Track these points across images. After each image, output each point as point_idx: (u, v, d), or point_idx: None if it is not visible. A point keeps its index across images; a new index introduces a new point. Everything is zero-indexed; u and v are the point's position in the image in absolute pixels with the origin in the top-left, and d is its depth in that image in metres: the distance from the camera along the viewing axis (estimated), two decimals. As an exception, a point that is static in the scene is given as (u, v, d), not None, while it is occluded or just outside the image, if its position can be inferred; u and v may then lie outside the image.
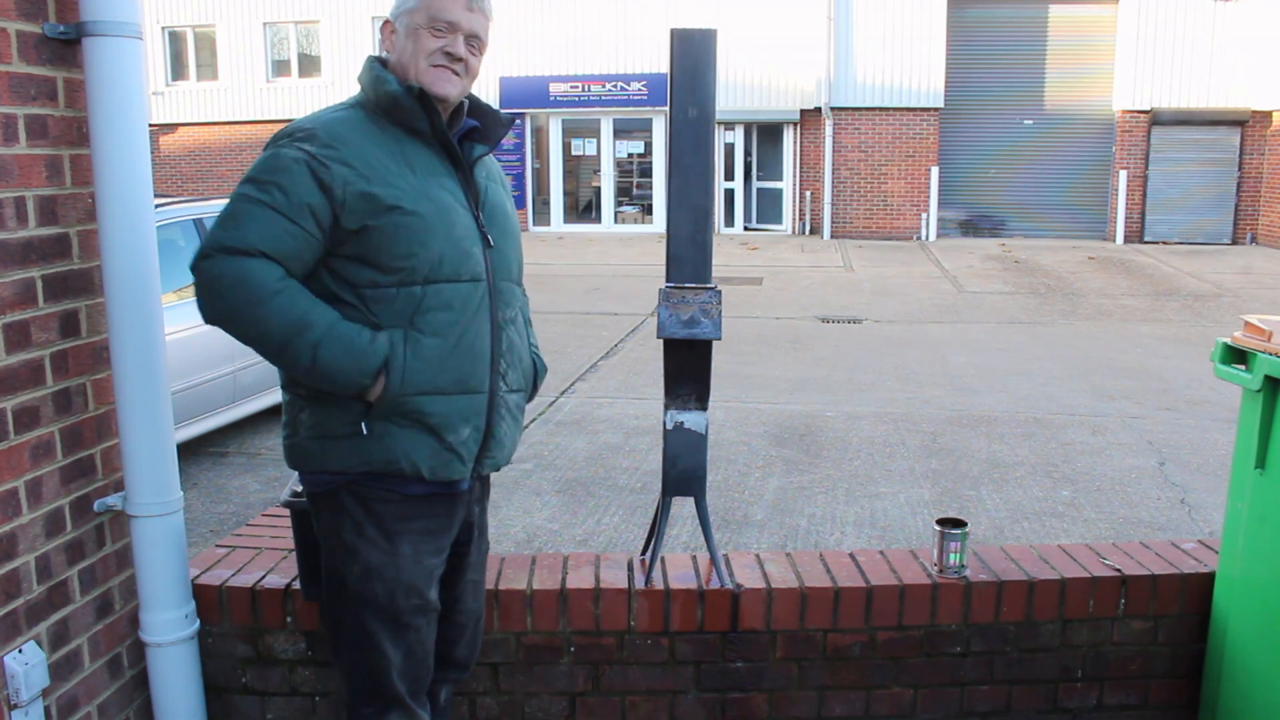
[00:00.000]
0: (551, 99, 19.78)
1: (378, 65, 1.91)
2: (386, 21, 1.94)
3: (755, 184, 19.95)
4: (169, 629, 2.33)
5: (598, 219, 20.64)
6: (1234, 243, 18.50)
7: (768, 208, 20.19)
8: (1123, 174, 18.50)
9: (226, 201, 1.85)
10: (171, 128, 21.57)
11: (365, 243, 1.82)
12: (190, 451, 5.66)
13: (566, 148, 20.56)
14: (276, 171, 1.79)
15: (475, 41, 1.93)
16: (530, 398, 2.15)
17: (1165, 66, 18.14)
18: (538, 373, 2.16)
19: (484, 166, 2.03)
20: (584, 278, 13.81)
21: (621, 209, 20.64)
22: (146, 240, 2.16)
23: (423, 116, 1.87)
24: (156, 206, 2.31)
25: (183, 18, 21.23)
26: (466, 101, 2.00)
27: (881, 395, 7.29)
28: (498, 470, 2.07)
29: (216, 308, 1.81)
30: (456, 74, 1.90)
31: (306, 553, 2.31)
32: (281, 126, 1.90)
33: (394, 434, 1.87)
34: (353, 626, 1.98)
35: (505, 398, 2.00)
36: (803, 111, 19.17)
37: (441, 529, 2.01)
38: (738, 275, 13.72)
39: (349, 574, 1.95)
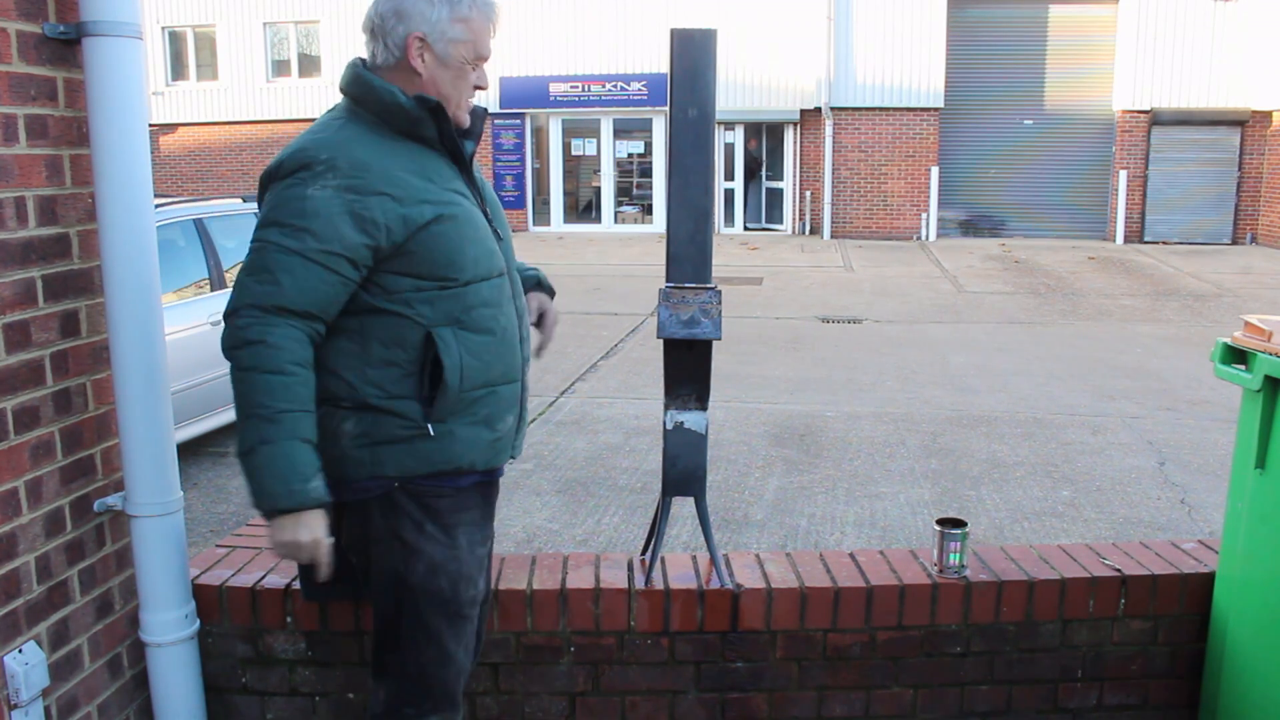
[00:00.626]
0: (551, 99, 19.78)
1: (377, 79, 1.86)
2: (415, 35, 1.84)
3: (765, 184, 19.92)
4: (169, 629, 2.33)
5: (598, 219, 20.64)
6: (1234, 243, 18.51)
7: (768, 207, 20.20)
8: (1123, 174, 18.51)
9: (252, 246, 1.80)
10: (171, 128, 21.57)
11: (409, 259, 1.83)
12: (190, 451, 5.66)
13: (566, 148, 20.56)
14: (307, 215, 1.75)
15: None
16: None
17: (1165, 66, 18.15)
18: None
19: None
20: (584, 278, 13.81)
21: (621, 209, 20.64)
22: (146, 240, 2.16)
23: (433, 126, 1.88)
24: (156, 206, 2.31)
25: (183, 18, 21.23)
26: None
27: (881, 395, 7.30)
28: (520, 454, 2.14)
29: (229, 352, 1.80)
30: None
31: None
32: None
33: (455, 433, 1.90)
34: (415, 625, 1.97)
35: (527, 381, 2.08)
36: (803, 111, 19.17)
37: (486, 517, 2.06)
38: (738, 275, 13.72)
39: (412, 573, 1.94)
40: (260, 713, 2.54)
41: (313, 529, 1.80)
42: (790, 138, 19.61)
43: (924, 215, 19.22)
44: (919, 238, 19.13)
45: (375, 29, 1.89)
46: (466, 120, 1.96)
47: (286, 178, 1.79)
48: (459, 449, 1.91)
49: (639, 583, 2.51)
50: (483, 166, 2.26)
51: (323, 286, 1.77)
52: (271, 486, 1.77)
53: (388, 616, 2.01)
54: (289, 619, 2.46)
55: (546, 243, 18.32)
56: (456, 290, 1.86)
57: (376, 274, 1.83)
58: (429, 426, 1.87)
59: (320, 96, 19.45)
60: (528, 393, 2.09)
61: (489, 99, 19.15)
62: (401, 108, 1.84)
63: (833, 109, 18.96)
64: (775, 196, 20.09)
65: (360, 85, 1.87)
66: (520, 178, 20.30)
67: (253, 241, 1.80)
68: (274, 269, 1.75)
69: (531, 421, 6.40)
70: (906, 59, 18.69)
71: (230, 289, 1.98)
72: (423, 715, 2.02)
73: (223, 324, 1.83)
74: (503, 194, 19.70)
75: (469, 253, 1.88)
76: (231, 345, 1.79)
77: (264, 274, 1.76)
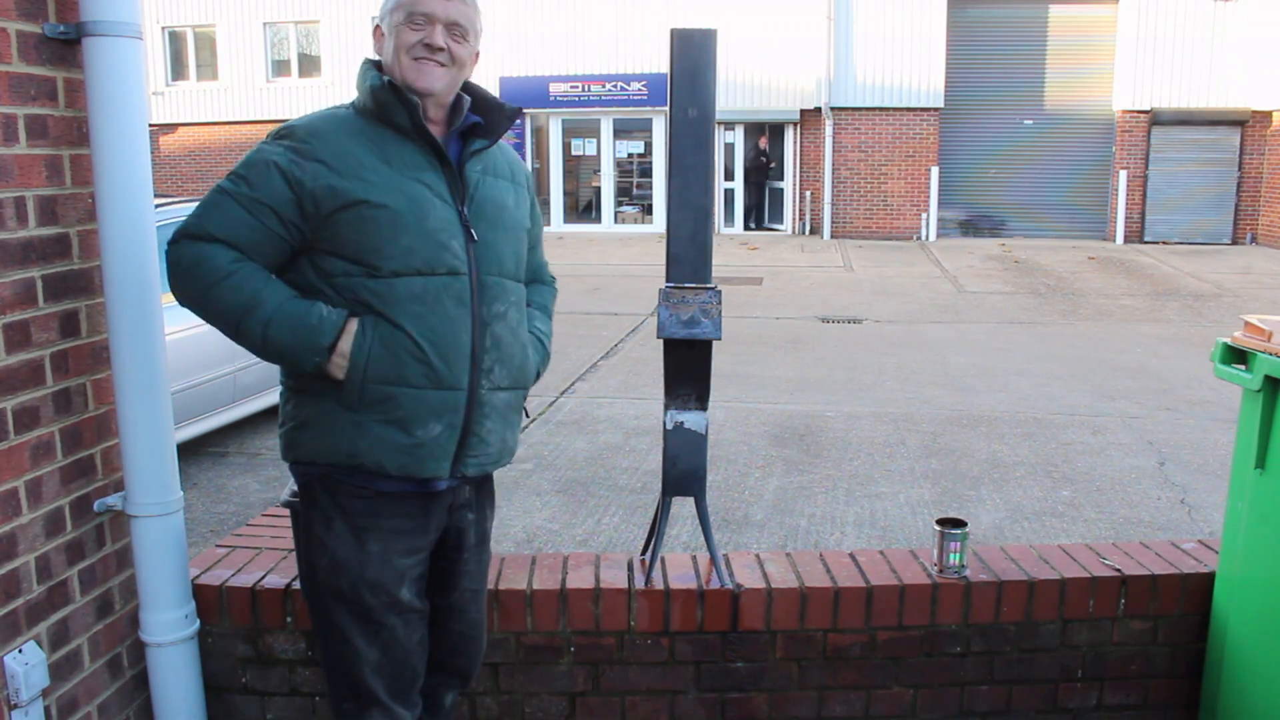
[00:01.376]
0: (551, 99, 19.77)
1: (367, 65, 1.94)
2: (376, 26, 1.97)
3: (769, 184, 19.87)
4: (169, 629, 2.33)
5: (598, 219, 20.63)
6: (1234, 243, 18.50)
7: (768, 207, 20.20)
8: (1123, 174, 18.51)
9: None
10: (171, 128, 21.57)
11: (335, 236, 1.85)
12: (190, 451, 5.66)
13: (566, 148, 20.56)
14: (250, 166, 1.86)
15: (457, 30, 1.90)
16: (535, 377, 2.16)
17: (1165, 66, 18.14)
18: (544, 358, 2.18)
19: (483, 160, 2.01)
20: (584, 278, 13.81)
21: (621, 209, 20.63)
22: (146, 240, 2.17)
23: (401, 111, 1.87)
24: (156, 206, 2.31)
25: (183, 18, 21.23)
26: (468, 98, 1.99)
27: (881, 395, 7.29)
28: (485, 471, 2.02)
29: (180, 289, 1.88)
30: (440, 64, 1.89)
31: (306, 553, 2.31)
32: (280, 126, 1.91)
33: (363, 427, 1.88)
34: (324, 619, 2.01)
35: (489, 396, 1.96)
36: (803, 111, 19.17)
37: (415, 530, 1.98)
38: (738, 275, 13.72)
39: (318, 566, 1.97)
40: (260, 713, 2.54)
41: (351, 333, 1.86)
42: (790, 138, 19.60)
43: (924, 215, 19.22)
44: (919, 238, 19.13)
45: None
46: (430, 85, 1.88)
47: (262, 141, 1.92)
48: (365, 444, 1.88)
49: (639, 583, 2.51)
50: (527, 175, 2.21)
51: (244, 229, 1.85)
52: (301, 343, 1.84)
53: (309, 607, 2.07)
54: (289, 619, 2.47)
55: (546, 242, 18.24)
56: (383, 280, 1.85)
57: (314, 254, 1.88)
58: (335, 411, 1.88)
59: (320, 97, 19.43)
60: (491, 405, 1.96)
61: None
62: (370, 89, 1.89)
63: (833, 109, 18.96)
64: (775, 196, 20.08)
65: (358, 75, 1.95)
66: (520, 178, 20.28)
67: None
68: (209, 206, 1.86)
69: (531, 421, 6.40)
70: (906, 59, 18.69)
71: None
72: (361, 711, 2.02)
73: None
74: (503, 194, 19.63)
75: (402, 242, 1.85)
76: (175, 280, 1.87)
77: (200, 209, 1.87)
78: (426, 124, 1.90)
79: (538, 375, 2.17)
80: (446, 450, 1.92)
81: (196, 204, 1.90)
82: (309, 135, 1.86)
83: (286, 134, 1.88)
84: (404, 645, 2.01)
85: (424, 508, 1.98)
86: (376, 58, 1.97)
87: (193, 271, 1.84)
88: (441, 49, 1.89)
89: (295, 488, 2.23)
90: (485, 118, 2.00)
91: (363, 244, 1.84)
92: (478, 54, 1.98)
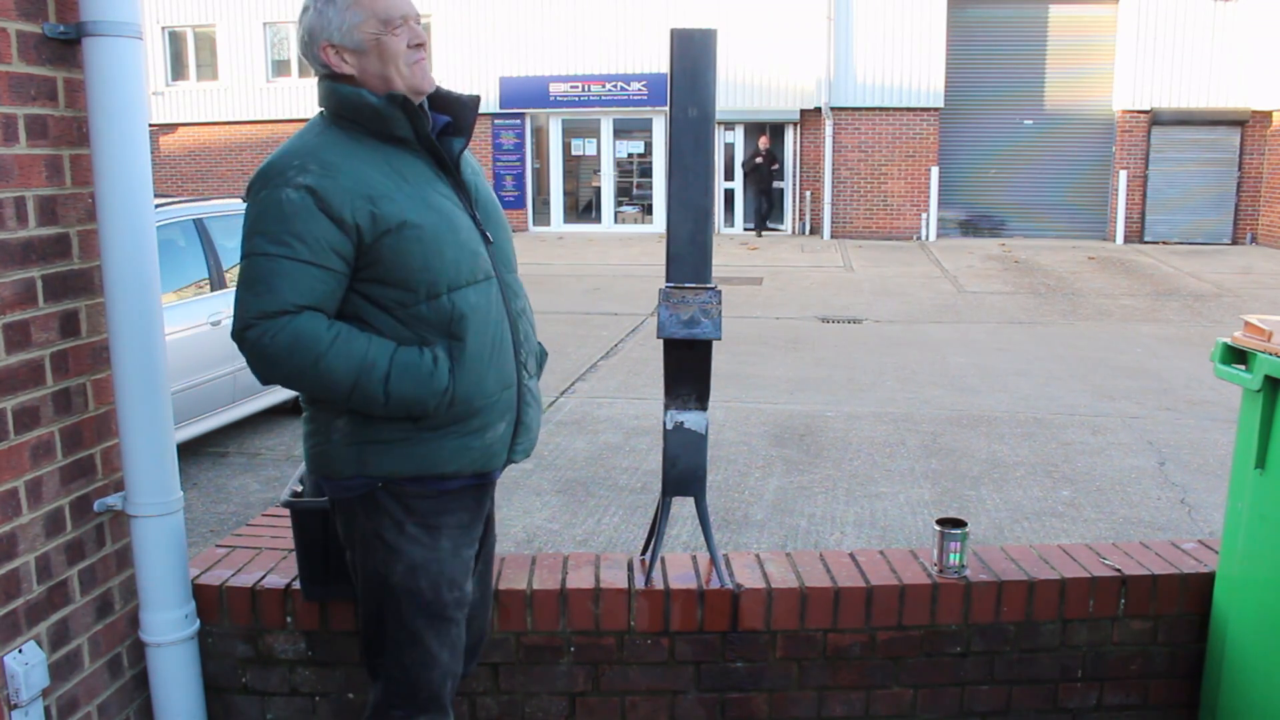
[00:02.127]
0: (551, 99, 19.77)
1: (342, 86, 1.85)
2: (324, 45, 1.84)
3: (775, 184, 19.79)
4: (169, 629, 2.33)
5: (598, 219, 20.63)
6: (1234, 243, 18.50)
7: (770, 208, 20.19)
8: (1123, 174, 18.50)
9: (242, 263, 1.81)
10: (171, 128, 21.57)
11: (381, 262, 1.80)
12: (190, 451, 5.66)
13: (566, 148, 20.56)
14: (287, 219, 1.75)
15: (418, 20, 1.89)
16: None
17: (1165, 66, 18.14)
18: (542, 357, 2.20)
19: (466, 163, 2.00)
20: (584, 278, 13.81)
21: (621, 209, 20.63)
22: (146, 240, 2.16)
23: (407, 124, 1.84)
24: (156, 206, 2.31)
25: (183, 18, 21.23)
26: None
27: (881, 395, 7.29)
28: (529, 456, 2.08)
29: (275, 374, 1.81)
30: (425, 59, 1.89)
31: (307, 553, 2.31)
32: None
33: (443, 442, 1.89)
34: (397, 626, 1.98)
35: (528, 385, 2.02)
36: (803, 111, 19.17)
37: (475, 520, 2.03)
38: (738, 275, 13.72)
39: (392, 573, 1.94)
40: (260, 713, 2.54)
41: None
42: (790, 138, 19.60)
43: (924, 215, 19.22)
44: (919, 238, 19.13)
45: (305, 58, 1.91)
46: (429, 84, 1.87)
47: (265, 187, 1.79)
48: (446, 456, 1.90)
49: (639, 583, 2.51)
50: (483, 168, 2.22)
51: (318, 285, 1.78)
52: (423, 398, 1.82)
53: (372, 616, 2.01)
54: (289, 619, 2.46)
55: (546, 243, 18.31)
56: (441, 300, 1.83)
57: (361, 283, 1.83)
58: (419, 434, 1.87)
59: (320, 96, 19.42)
60: (531, 394, 2.03)
61: (489, 99, 19.19)
62: (373, 108, 1.83)
63: (833, 109, 18.96)
64: (775, 196, 20.08)
65: (327, 97, 1.87)
66: (520, 178, 20.29)
67: (242, 256, 1.81)
68: (268, 277, 1.76)
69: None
70: (906, 59, 18.68)
71: (230, 288, 1.98)
72: (411, 718, 2.02)
73: (239, 347, 1.81)
74: (503, 194, 19.69)
75: (448, 256, 1.83)
76: (270, 363, 1.79)
77: (259, 285, 1.77)
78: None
79: (542, 369, 2.21)
80: (505, 443, 1.99)
81: (245, 281, 1.78)
82: (325, 167, 1.78)
83: (299, 171, 1.77)
84: (463, 640, 2.05)
85: (479, 498, 2.03)
86: (332, 73, 1.87)
87: (292, 354, 1.76)
88: (423, 42, 1.88)
89: (297, 487, 2.24)
90: (453, 115, 1.96)
91: (410, 265, 1.80)
92: None
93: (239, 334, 1.79)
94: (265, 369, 1.81)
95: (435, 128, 1.92)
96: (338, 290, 1.81)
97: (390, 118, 1.83)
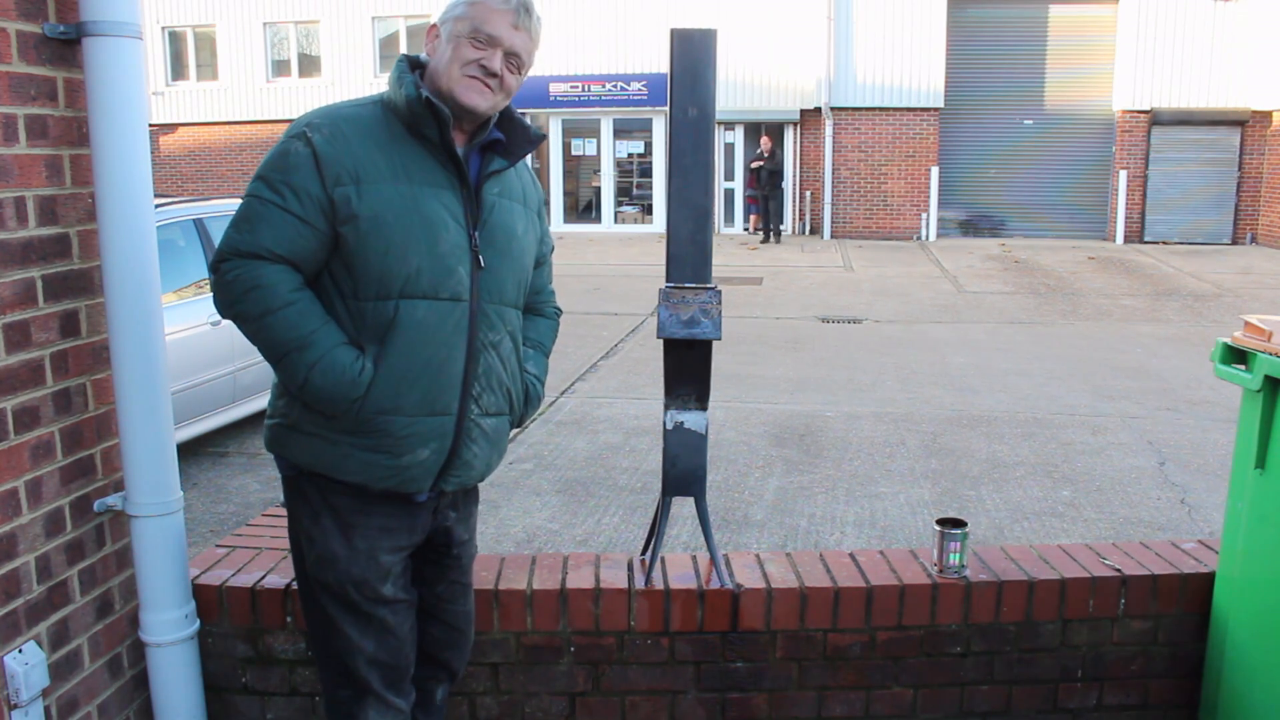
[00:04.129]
0: (551, 99, 19.77)
1: (404, 64, 1.89)
2: (433, 25, 1.92)
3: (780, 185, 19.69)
4: (169, 629, 2.33)
5: (598, 219, 20.64)
6: (1234, 243, 18.51)
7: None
8: (1123, 174, 18.51)
9: (241, 198, 1.87)
10: (171, 128, 21.58)
11: (346, 245, 1.81)
12: (190, 451, 5.66)
13: (566, 148, 20.56)
14: (287, 170, 1.80)
15: (515, 60, 1.90)
16: (516, 423, 2.10)
17: (1165, 66, 18.15)
18: (529, 399, 2.10)
19: (500, 182, 1.97)
20: (584, 278, 13.80)
21: (621, 209, 20.64)
22: (146, 240, 2.16)
23: (432, 125, 1.84)
24: (156, 206, 2.31)
25: (183, 18, 21.23)
26: (496, 114, 1.95)
27: (881, 395, 7.29)
28: (464, 487, 2.03)
29: (229, 311, 1.85)
30: (489, 88, 1.87)
31: (306, 553, 2.31)
32: (283, 125, 1.89)
33: (350, 449, 1.88)
34: (314, 610, 2.02)
35: (477, 421, 1.95)
36: (803, 111, 19.17)
37: (401, 529, 1.99)
38: (738, 275, 13.72)
39: (305, 559, 1.99)
40: (260, 713, 2.54)
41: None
42: (790, 138, 19.60)
43: (924, 215, 19.22)
44: (919, 238, 19.13)
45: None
46: (475, 102, 1.86)
47: (289, 133, 1.86)
48: (354, 466, 1.88)
49: (639, 583, 2.51)
50: (541, 198, 2.18)
51: (298, 239, 1.80)
52: (339, 393, 1.82)
53: (300, 596, 2.07)
54: (289, 619, 2.46)
55: (546, 243, 18.27)
56: (387, 304, 1.82)
57: (333, 258, 1.85)
58: (331, 434, 1.88)
59: (320, 97, 19.42)
60: (480, 430, 1.95)
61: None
62: (405, 97, 1.84)
63: (833, 109, 18.96)
64: (779, 200, 20.06)
65: (392, 71, 1.90)
66: (520, 178, 20.27)
67: (247, 191, 1.87)
68: (255, 220, 1.81)
69: (532, 422, 6.40)
70: (906, 59, 18.69)
71: None
72: (358, 699, 2.03)
73: (211, 276, 1.88)
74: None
75: (411, 261, 1.81)
76: (229, 300, 1.84)
77: (244, 224, 1.82)
78: (453, 134, 1.87)
79: (523, 418, 2.12)
80: (430, 471, 1.93)
81: (235, 217, 1.84)
82: (334, 135, 1.81)
83: (314, 130, 1.81)
84: (396, 634, 2.03)
85: (408, 511, 1.99)
86: (416, 55, 1.93)
87: (249, 295, 1.80)
88: (496, 75, 1.87)
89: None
90: (507, 135, 1.96)
91: (367, 258, 1.80)
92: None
93: (214, 263, 1.86)
94: (223, 303, 1.86)
95: (487, 138, 1.93)
96: (319, 251, 1.82)
97: (419, 115, 1.84)
